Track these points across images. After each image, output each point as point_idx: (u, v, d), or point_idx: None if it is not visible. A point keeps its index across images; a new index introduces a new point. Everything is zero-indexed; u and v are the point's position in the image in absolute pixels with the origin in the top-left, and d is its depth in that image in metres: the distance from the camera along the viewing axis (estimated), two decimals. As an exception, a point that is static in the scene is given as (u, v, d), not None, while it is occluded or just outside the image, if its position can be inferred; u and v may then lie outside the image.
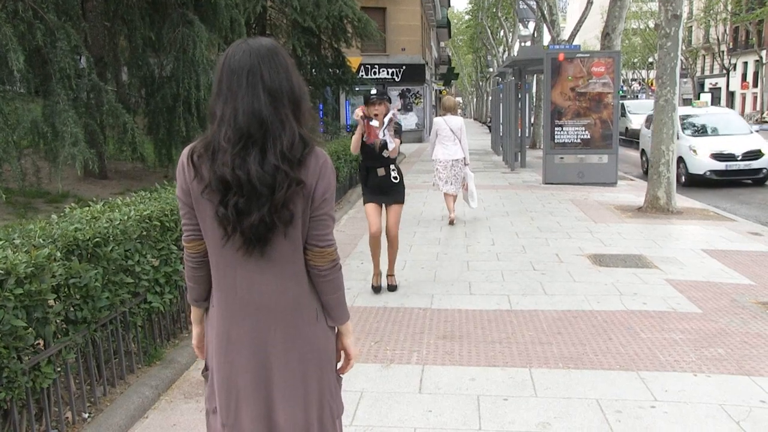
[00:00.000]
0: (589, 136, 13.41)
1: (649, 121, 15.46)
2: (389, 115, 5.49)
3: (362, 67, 27.45)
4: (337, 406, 2.16)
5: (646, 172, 13.96)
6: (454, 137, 9.16)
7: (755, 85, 49.73)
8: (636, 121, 25.32)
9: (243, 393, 1.98)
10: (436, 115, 11.79)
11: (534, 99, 24.42)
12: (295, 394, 1.99)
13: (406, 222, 9.44)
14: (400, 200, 5.89)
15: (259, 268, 1.91)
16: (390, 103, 5.49)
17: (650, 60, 55.98)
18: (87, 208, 3.95)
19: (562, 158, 13.59)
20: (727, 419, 3.49)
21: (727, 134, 14.50)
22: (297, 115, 1.88)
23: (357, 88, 22.64)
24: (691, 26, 56.55)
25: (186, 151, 1.92)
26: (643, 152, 16.74)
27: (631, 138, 25.86)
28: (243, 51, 1.86)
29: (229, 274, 1.93)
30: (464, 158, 9.28)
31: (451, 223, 9.38)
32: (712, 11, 48.56)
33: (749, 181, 14.15)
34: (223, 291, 1.96)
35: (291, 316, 1.95)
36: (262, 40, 1.91)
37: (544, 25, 23.85)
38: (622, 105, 27.29)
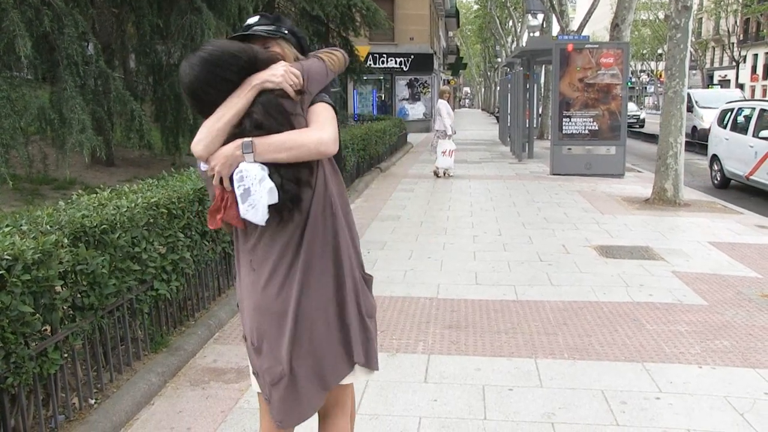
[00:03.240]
0: (597, 127, 13.35)
1: (723, 117, 13.28)
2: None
3: (370, 56, 27.38)
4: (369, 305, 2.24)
5: (719, 186, 12.79)
6: (438, 115, 13.20)
7: (765, 77, 49.38)
8: (708, 118, 18.15)
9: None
10: (436, 105, 14.04)
11: (542, 89, 24.32)
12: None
13: (412, 211, 9.44)
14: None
15: None
16: (299, 47, 2.30)
17: (659, 51, 55.64)
18: (94, 195, 3.95)
19: (569, 149, 13.53)
20: (731, 411, 3.49)
21: None
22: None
23: (365, 77, 22.58)
24: (701, 17, 56.13)
25: None
26: (714, 159, 13.27)
27: (701, 141, 19.06)
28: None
29: None
30: (440, 130, 13.11)
31: (435, 175, 13.49)
32: (722, 2, 48.20)
33: None
34: None
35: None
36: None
37: (553, 16, 23.70)
38: (689, 96, 23.12)
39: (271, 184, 1.93)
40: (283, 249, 2.05)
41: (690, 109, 21.95)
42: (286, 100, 1.98)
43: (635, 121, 32.07)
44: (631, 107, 32.27)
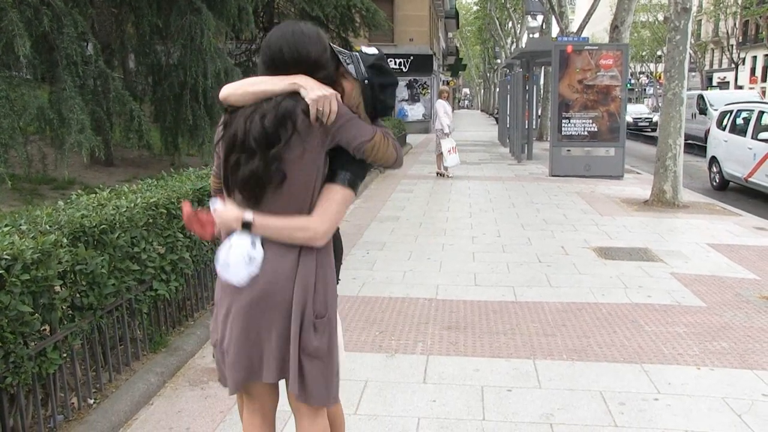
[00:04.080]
0: (596, 129, 13.36)
1: (722, 119, 13.24)
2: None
3: (369, 57, 27.32)
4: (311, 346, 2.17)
5: (718, 188, 12.85)
6: (436, 115, 13.49)
7: (764, 79, 49.37)
8: None
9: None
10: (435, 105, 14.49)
11: (541, 91, 24.33)
12: None
13: (412, 212, 9.45)
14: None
15: None
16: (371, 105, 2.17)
17: (659, 53, 55.64)
18: (93, 195, 3.96)
19: (569, 150, 13.55)
20: (729, 412, 3.50)
21: None
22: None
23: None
24: (700, 19, 56.14)
25: None
26: (713, 161, 13.22)
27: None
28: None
29: None
30: (439, 129, 13.32)
31: (438, 175, 13.74)
32: (722, 4, 48.18)
33: None
34: None
35: None
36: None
37: (553, 17, 23.71)
38: (701, 98, 22.75)
39: (257, 262, 2.05)
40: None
41: (704, 111, 21.61)
42: (304, 116, 1.99)
43: (647, 124, 31.67)
44: (642, 109, 31.69)
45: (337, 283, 2.32)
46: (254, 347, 2.11)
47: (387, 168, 2.23)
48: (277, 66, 2.05)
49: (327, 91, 1.99)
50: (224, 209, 2.08)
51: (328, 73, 2.08)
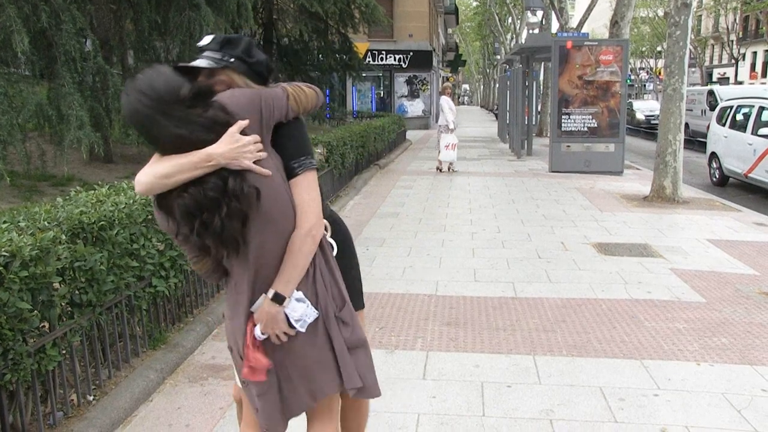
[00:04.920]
0: (596, 125, 13.34)
1: (722, 114, 13.20)
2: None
3: (369, 53, 27.34)
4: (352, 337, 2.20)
5: (718, 184, 12.83)
6: (441, 111, 13.58)
7: (764, 75, 49.32)
8: None
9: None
10: (439, 101, 14.66)
11: (541, 87, 24.30)
12: None
13: (411, 208, 9.44)
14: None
15: None
16: (253, 73, 2.12)
17: (659, 49, 55.58)
18: (92, 192, 3.95)
19: (568, 146, 13.53)
20: (728, 408, 3.50)
21: None
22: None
23: (364, 74, 22.56)
24: (700, 15, 56.05)
25: None
26: (713, 157, 13.22)
27: None
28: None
29: None
30: (443, 125, 13.41)
31: (438, 170, 13.76)
32: (722, 0, 48.13)
33: None
34: None
35: None
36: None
37: (553, 13, 23.67)
38: (712, 93, 22.13)
39: (315, 313, 2.06)
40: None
41: (714, 107, 20.81)
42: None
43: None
44: (655, 106, 30.62)
45: (358, 266, 2.50)
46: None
47: (317, 107, 2.15)
48: (162, 132, 1.85)
49: (242, 141, 1.87)
50: (259, 317, 2.01)
51: (203, 90, 1.90)
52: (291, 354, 2.08)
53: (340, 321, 2.13)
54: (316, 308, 2.07)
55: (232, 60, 2.05)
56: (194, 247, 2.00)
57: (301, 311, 2.02)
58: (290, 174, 2.01)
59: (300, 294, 2.03)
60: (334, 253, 2.28)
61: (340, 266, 2.22)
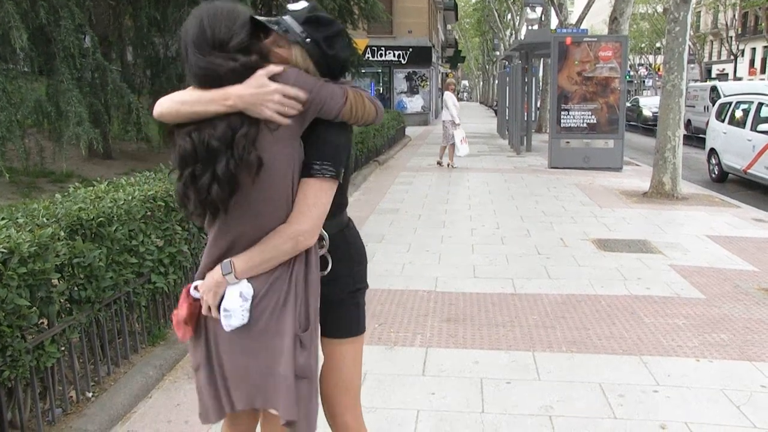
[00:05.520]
0: (595, 121, 13.34)
1: (721, 111, 13.22)
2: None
3: (368, 49, 27.29)
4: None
5: (717, 180, 12.82)
6: (444, 106, 13.90)
7: (763, 71, 49.30)
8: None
9: None
10: (442, 97, 14.85)
11: (540, 83, 24.28)
12: None
13: (411, 204, 9.44)
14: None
15: None
16: (324, 65, 1.92)
17: (658, 45, 55.52)
18: (91, 188, 3.94)
19: (568, 142, 13.52)
20: (727, 403, 3.50)
21: None
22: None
23: (363, 70, 22.49)
24: (699, 11, 55.98)
25: None
26: (712, 153, 13.20)
27: None
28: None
29: None
30: (448, 120, 13.58)
31: (439, 164, 14.25)
32: (721, -4, 48.11)
33: None
34: None
35: None
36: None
37: (552, 9, 23.63)
38: (715, 89, 22.00)
39: (241, 321, 1.88)
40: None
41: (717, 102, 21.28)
42: (268, 130, 1.77)
43: None
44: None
45: (363, 290, 2.21)
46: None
47: (368, 124, 1.99)
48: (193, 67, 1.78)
49: (274, 93, 1.72)
50: (201, 283, 1.89)
51: (256, 51, 1.78)
52: (234, 346, 1.92)
53: (298, 340, 1.91)
54: (265, 316, 1.89)
55: (309, 40, 1.84)
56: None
57: (234, 305, 1.85)
58: (306, 172, 1.84)
59: (249, 291, 1.86)
60: (328, 269, 2.03)
61: (343, 285, 2.08)
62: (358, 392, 2.27)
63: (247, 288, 1.86)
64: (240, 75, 1.74)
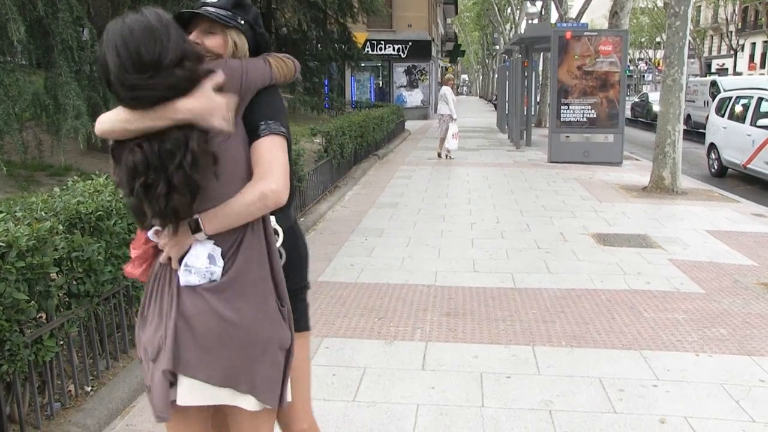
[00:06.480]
0: (595, 115, 13.31)
1: (721, 106, 13.22)
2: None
3: (368, 43, 27.22)
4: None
5: (716, 175, 12.81)
6: (442, 100, 14.37)
7: (762, 66, 49.24)
8: None
9: None
10: (440, 91, 15.10)
11: (540, 77, 24.23)
12: None
13: (410, 198, 9.43)
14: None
15: None
16: (254, 44, 2.02)
17: (658, 40, 55.45)
18: (90, 182, 3.92)
19: (567, 137, 13.50)
20: (727, 398, 3.50)
21: None
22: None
23: (363, 64, 22.44)
24: (699, 6, 55.89)
25: None
26: (712, 148, 13.18)
27: None
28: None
29: None
30: (446, 114, 14.07)
31: (439, 156, 14.54)
32: (721, -10, 48.02)
33: None
34: None
35: None
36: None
37: (552, 3, 23.58)
38: (714, 84, 21.98)
39: (217, 270, 1.82)
40: None
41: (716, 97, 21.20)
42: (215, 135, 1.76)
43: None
44: None
45: (308, 288, 2.19)
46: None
47: (292, 80, 2.03)
48: (121, 90, 1.71)
49: (218, 100, 1.74)
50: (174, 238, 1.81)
51: (189, 56, 1.74)
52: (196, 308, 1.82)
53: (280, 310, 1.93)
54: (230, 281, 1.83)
55: (243, 23, 1.92)
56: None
57: (199, 263, 1.79)
58: (255, 135, 1.84)
59: (216, 252, 1.81)
60: (283, 260, 2.01)
61: (294, 280, 2.06)
62: (310, 390, 2.25)
63: (216, 251, 1.82)
64: (181, 89, 1.72)
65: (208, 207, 1.79)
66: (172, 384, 1.85)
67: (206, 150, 1.73)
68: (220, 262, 1.82)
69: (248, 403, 1.89)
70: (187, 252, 1.82)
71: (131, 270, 1.94)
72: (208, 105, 1.73)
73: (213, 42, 1.90)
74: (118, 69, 1.67)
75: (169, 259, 1.84)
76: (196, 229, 1.79)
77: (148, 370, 1.89)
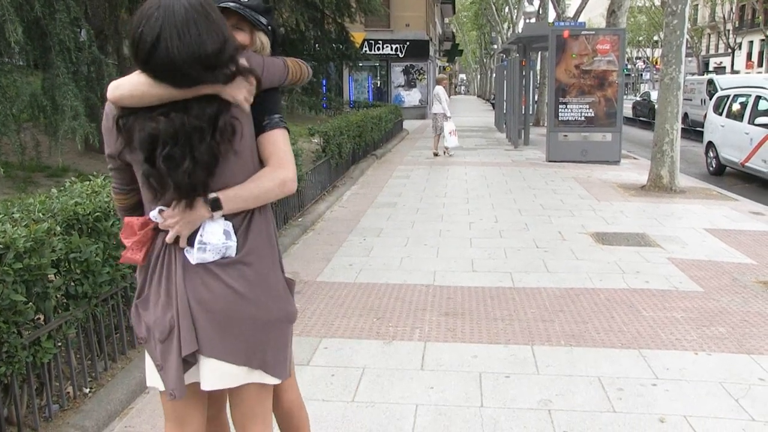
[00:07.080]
0: (593, 114, 13.31)
1: (719, 104, 13.20)
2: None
3: (366, 43, 27.22)
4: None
5: (715, 173, 12.81)
6: (435, 100, 14.78)
7: (760, 64, 49.27)
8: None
9: None
10: (434, 91, 15.57)
11: (538, 76, 24.24)
12: None
13: (409, 197, 9.42)
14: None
15: None
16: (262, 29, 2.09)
17: (655, 38, 55.48)
18: (87, 183, 3.91)
19: (565, 136, 13.51)
20: (726, 397, 3.50)
21: None
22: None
23: (360, 64, 22.43)
24: (697, 4, 55.92)
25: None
26: (710, 146, 13.21)
27: None
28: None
29: None
30: (440, 113, 14.44)
31: (435, 155, 14.72)
32: (719, -11, 48.06)
33: None
34: None
35: None
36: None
37: (550, 2, 23.59)
38: (711, 83, 21.83)
39: (233, 245, 1.86)
40: None
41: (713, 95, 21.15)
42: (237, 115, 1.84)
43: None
44: None
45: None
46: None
47: (304, 83, 2.18)
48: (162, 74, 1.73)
49: (244, 90, 1.83)
50: (176, 211, 1.82)
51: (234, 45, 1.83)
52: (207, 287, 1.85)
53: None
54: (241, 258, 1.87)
55: (270, 27, 2.08)
56: (126, 178, 1.92)
57: (215, 239, 1.81)
58: (269, 126, 1.93)
59: (230, 227, 1.84)
60: None
61: None
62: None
63: (229, 226, 1.86)
64: (227, 80, 1.80)
65: (219, 185, 1.83)
66: (190, 363, 1.89)
67: (233, 125, 1.80)
68: (234, 238, 1.86)
69: (259, 377, 1.94)
70: (197, 230, 1.84)
71: (131, 255, 1.94)
72: (248, 90, 1.84)
73: (241, 38, 1.98)
74: (173, 53, 1.68)
75: (176, 238, 1.85)
76: (215, 207, 1.82)
77: (155, 350, 1.93)
